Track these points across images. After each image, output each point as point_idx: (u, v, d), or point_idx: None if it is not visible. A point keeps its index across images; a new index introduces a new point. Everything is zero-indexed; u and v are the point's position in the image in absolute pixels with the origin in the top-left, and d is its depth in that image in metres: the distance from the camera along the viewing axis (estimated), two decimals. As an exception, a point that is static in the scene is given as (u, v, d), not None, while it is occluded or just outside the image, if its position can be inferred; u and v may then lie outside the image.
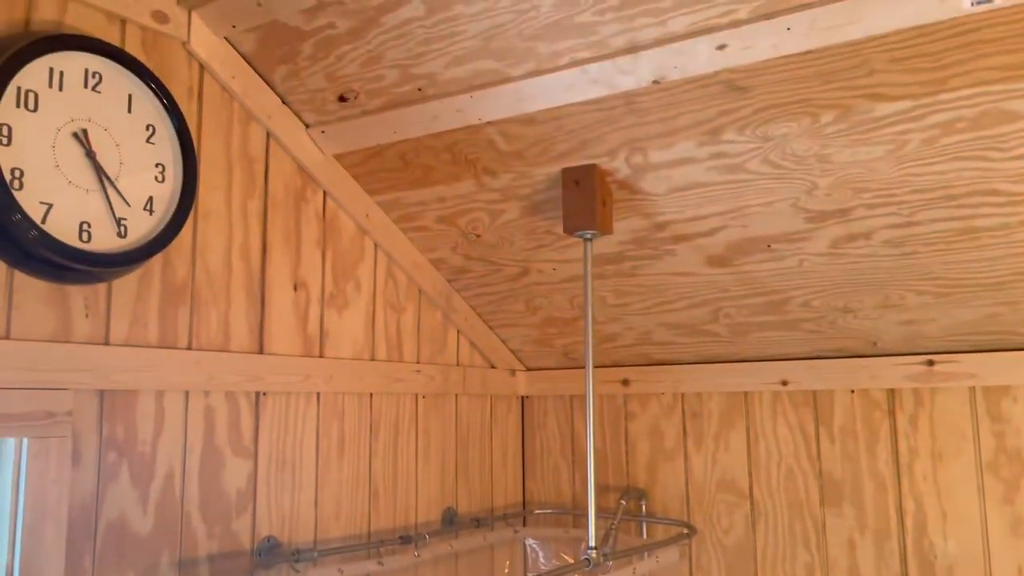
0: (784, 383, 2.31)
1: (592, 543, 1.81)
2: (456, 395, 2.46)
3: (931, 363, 2.10)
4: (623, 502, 2.41)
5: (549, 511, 2.61)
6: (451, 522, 2.35)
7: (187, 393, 1.71)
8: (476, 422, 2.54)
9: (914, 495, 2.13)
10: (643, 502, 2.48)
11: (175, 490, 1.67)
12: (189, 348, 1.72)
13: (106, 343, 1.57)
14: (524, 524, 2.58)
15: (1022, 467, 2.00)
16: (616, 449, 2.58)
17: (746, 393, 2.39)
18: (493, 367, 2.62)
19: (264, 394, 1.87)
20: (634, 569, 1.97)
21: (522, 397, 2.77)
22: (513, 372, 2.70)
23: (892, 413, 2.17)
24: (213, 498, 1.74)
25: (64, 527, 1.47)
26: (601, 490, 2.56)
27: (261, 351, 1.87)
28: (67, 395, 1.49)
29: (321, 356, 2.02)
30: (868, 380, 2.20)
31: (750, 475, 2.36)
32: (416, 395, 2.30)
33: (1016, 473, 2.00)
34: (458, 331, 2.49)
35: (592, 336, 1.97)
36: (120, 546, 1.57)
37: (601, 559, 1.83)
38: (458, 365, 2.48)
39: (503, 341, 2.64)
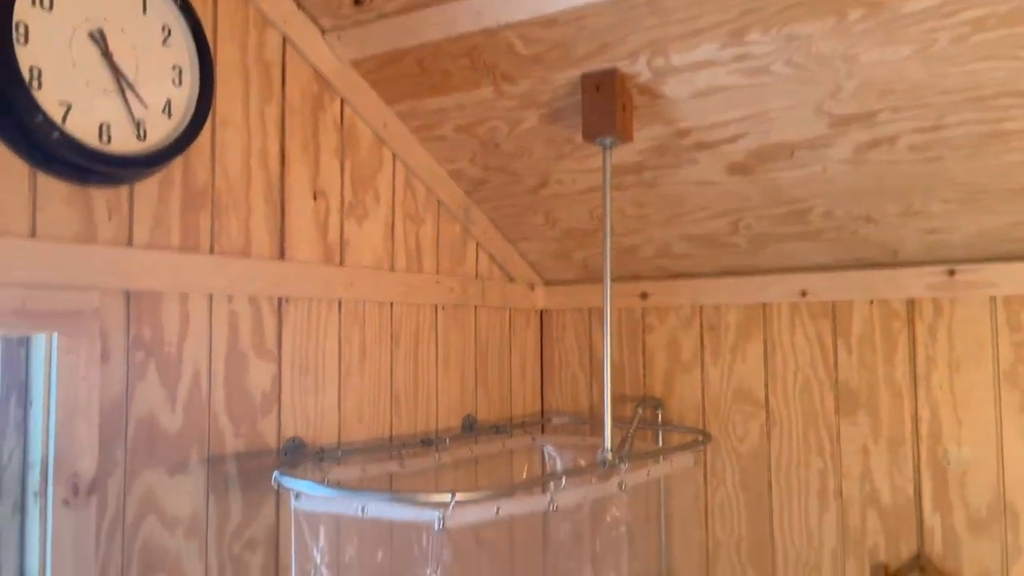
0: (803, 294, 2.31)
1: (608, 446, 1.85)
2: (475, 307, 2.48)
3: (952, 272, 2.09)
4: (639, 411, 2.45)
5: (567, 420, 2.66)
6: (471, 429, 2.40)
7: (211, 297, 1.74)
8: (495, 334, 2.57)
9: (930, 403, 2.14)
10: (659, 411, 2.51)
11: (202, 390, 1.72)
12: (211, 253, 1.74)
13: (129, 245, 1.59)
14: (542, 432, 2.63)
15: (1040, 375, 2.00)
16: (633, 361, 2.61)
17: (764, 305, 2.39)
18: (512, 280, 2.64)
19: (286, 300, 1.89)
20: (648, 472, 2.01)
21: (540, 311, 2.79)
22: (532, 286, 2.71)
23: (911, 323, 2.17)
24: (239, 399, 1.79)
25: (96, 421, 1.51)
26: (618, 400, 2.59)
27: (282, 257, 1.89)
28: (94, 295, 1.52)
29: (342, 264, 2.04)
30: (888, 290, 2.19)
31: (766, 385, 2.38)
32: (436, 306, 2.33)
33: (1033, 381, 2.01)
34: (477, 244, 2.50)
35: (610, 247, 1.97)
36: (150, 442, 1.62)
37: (616, 461, 1.86)
38: (477, 277, 2.50)
39: (522, 255, 2.65)
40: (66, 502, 1.46)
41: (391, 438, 2.14)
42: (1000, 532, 2.04)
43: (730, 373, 2.44)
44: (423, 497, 1.47)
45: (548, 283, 2.76)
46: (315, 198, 1.98)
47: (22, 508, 1.47)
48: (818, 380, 2.30)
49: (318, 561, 1.56)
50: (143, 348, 1.62)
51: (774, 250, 2.27)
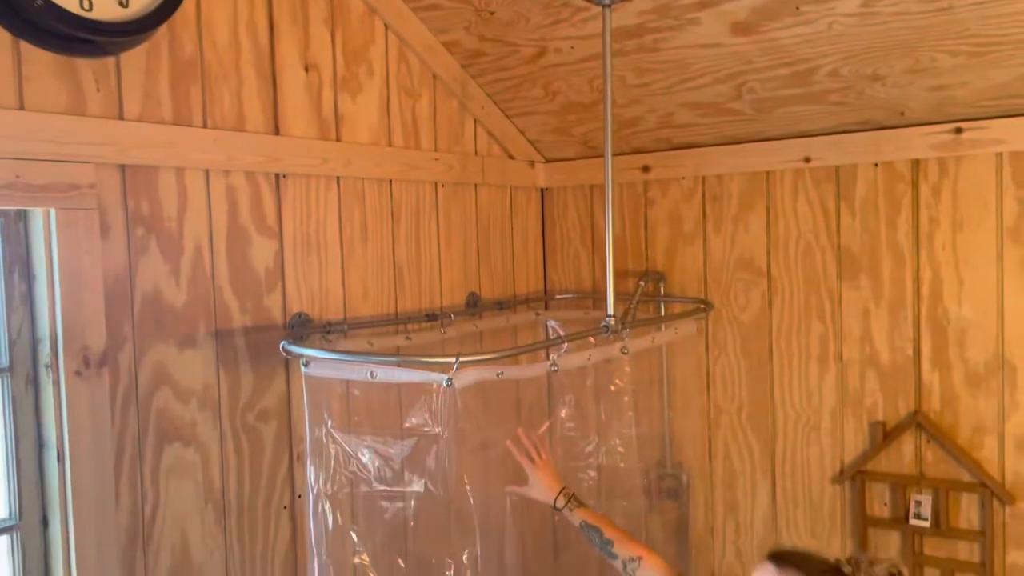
0: (807, 160, 2.28)
1: (611, 311, 1.86)
2: (475, 185, 2.46)
3: (959, 131, 2.05)
4: (642, 283, 2.46)
5: (570, 296, 2.67)
6: (475, 305, 2.41)
7: (207, 172, 1.72)
8: (496, 212, 2.55)
9: (932, 265, 2.14)
10: (661, 284, 2.53)
11: (205, 265, 1.72)
12: (205, 127, 1.71)
13: (121, 118, 1.56)
14: (545, 308, 2.66)
15: (1043, 231, 2.00)
16: (635, 235, 2.60)
17: (768, 173, 2.36)
18: (512, 158, 2.60)
19: (284, 176, 1.87)
20: (652, 338, 2.04)
21: (542, 189, 2.76)
22: (532, 163, 2.68)
23: (915, 184, 2.15)
24: (242, 274, 1.79)
25: (100, 295, 1.52)
26: (620, 275, 2.60)
27: (277, 132, 1.86)
28: (88, 168, 1.50)
29: (338, 140, 2.01)
30: (893, 152, 2.16)
31: (768, 254, 2.38)
32: (435, 183, 2.30)
33: (1037, 238, 2.01)
34: (475, 120, 2.46)
35: (611, 119, 1.93)
36: (157, 316, 1.63)
37: (619, 327, 1.88)
38: (476, 155, 2.46)
39: (521, 131, 2.61)
40: (78, 373, 1.48)
41: (396, 314, 2.16)
42: (998, 387, 2.07)
43: (732, 243, 2.43)
44: (430, 360, 1.49)
45: (548, 160, 2.73)
46: (307, 71, 1.93)
47: (35, 381, 1.49)
48: (820, 246, 2.30)
49: (329, 426, 1.59)
50: (143, 223, 1.61)
51: (779, 115, 2.22)
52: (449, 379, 1.47)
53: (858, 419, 2.27)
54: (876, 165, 2.20)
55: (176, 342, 1.66)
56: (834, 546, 2.31)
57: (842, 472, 2.29)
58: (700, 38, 2.02)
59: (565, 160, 2.70)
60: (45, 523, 1.51)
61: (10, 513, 1.48)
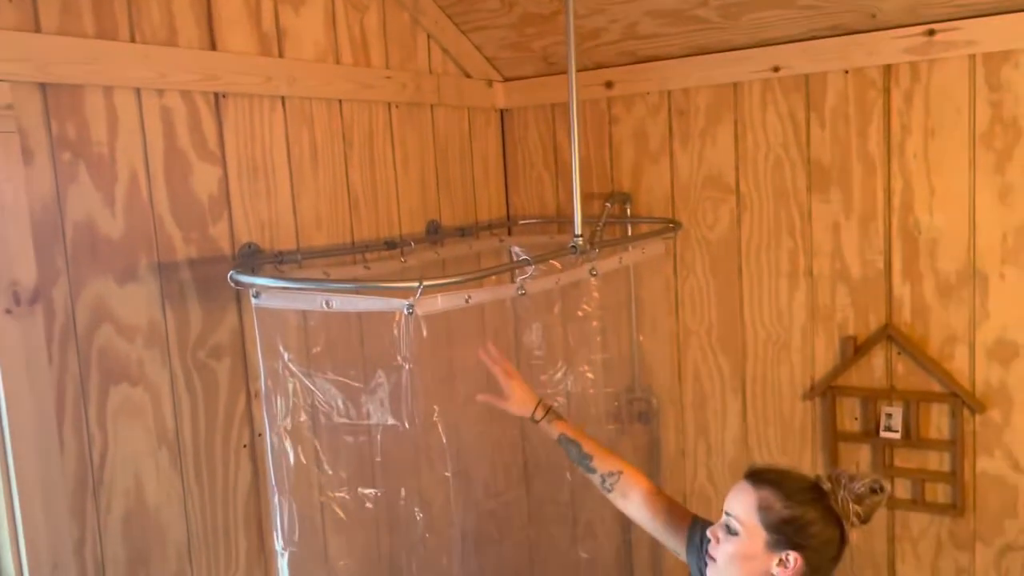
0: (776, 69, 2.19)
1: (578, 231, 1.78)
2: (431, 106, 2.33)
3: (931, 32, 1.98)
4: (608, 205, 2.38)
5: (534, 220, 2.58)
6: (435, 232, 2.32)
7: (138, 91, 1.58)
8: (455, 135, 2.44)
9: (903, 174, 2.09)
10: (628, 206, 2.45)
11: (142, 193, 1.60)
12: (132, 41, 1.57)
13: (37, 30, 1.42)
14: (509, 233, 2.57)
15: (1016, 135, 1.95)
16: (600, 156, 2.51)
17: (735, 84, 2.27)
18: (468, 76, 2.48)
19: (224, 96, 1.74)
20: (620, 258, 1.97)
21: (501, 110, 2.64)
22: (490, 83, 2.56)
23: (887, 91, 2.08)
24: (184, 203, 1.67)
25: (27, 226, 1.40)
26: (585, 198, 2.46)
27: (214, 47, 1.72)
28: (4, 87, 1.36)
29: (281, 56, 1.87)
30: (864, 57, 2.08)
31: (737, 169, 2.31)
32: (389, 104, 2.18)
33: (1009, 142, 1.95)
34: (428, 35, 2.32)
35: (572, 28, 1.81)
36: (93, 248, 1.52)
37: (587, 248, 1.81)
38: (431, 73, 2.33)
39: (477, 47, 2.48)
40: (8, 311, 1.37)
41: (352, 244, 2.06)
42: (968, 297, 2.05)
43: (700, 159, 2.36)
44: (391, 284, 1.40)
45: (507, 80, 2.61)
46: (243, -20, 1.78)
47: (-38, 321, 1.38)
48: (790, 159, 2.23)
49: (286, 359, 1.51)
50: (69, 148, 1.48)
51: (747, 21, 2.12)
52: (411, 306, 1.38)
53: (829, 335, 2.24)
54: (846, 72, 2.12)
55: (115, 276, 1.55)
56: (805, 461, 2.30)
57: (812, 388, 2.27)
58: (664, -62, 1.91)
59: (525, 78, 2.58)
60: (-16, 472, 1.41)
61: (-56, 463, 1.38)
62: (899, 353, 2.15)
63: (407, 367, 1.42)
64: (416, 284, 1.35)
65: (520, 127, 2.64)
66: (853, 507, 1.36)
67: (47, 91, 1.44)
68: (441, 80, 2.35)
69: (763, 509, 1.37)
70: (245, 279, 1.50)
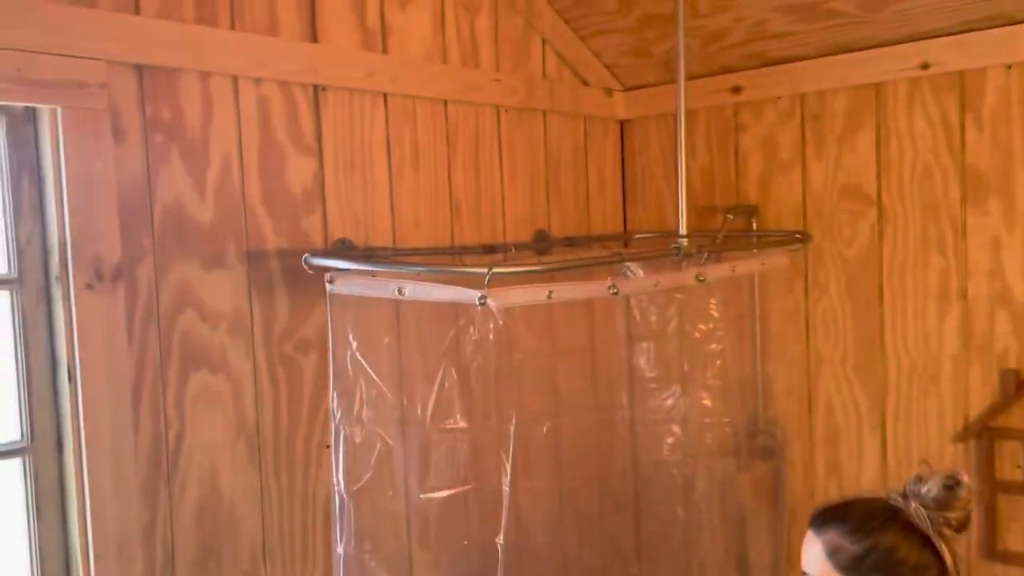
0: (925, 66, 1.96)
1: (683, 230, 1.63)
2: (544, 112, 2.25)
3: (1115, 15, 1.70)
4: (730, 216, 2.20)
5: (650, 235, 2.43)
6: (543, 241, 2.21)
7: (235, 79, 1.59)
8: (568, 144, 2.34)
9: (1080, 181, 1.80)
10: (754, 219, 2.25)
11: (234, 180, 1.59)
12: (232, 28, 1.58)
13: (136, 12, 1.45)
14: (625, 246, 2.42)
15: None
16: (724, 166, 2.33)
17: (877, 85, 2.05)
18: (586, 84, 2.38)
19: (323, 88, 1.73)
20: (733, 267, 1.78)
21: (621, 121, 2.53)
22: (610, 92, 2.45)
23: (1059, 86, 1.81)
24: (277, 193, 1.66)
25: (114, 204, 1.41)
26: (707, 211, 2.34)
27: (315, 40, 1.71)
28: (100, 65, 1.39)
29: (385, 52, 1.85)
30: (1030, 49, 1.82)
31: (878, 178, 2.07)
32: (497, 107, 2.11)
33: None
34: (543, 40, 2.25)
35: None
36: (180, 231, 1.52)
37: (694, 250, 1.65)
38: (544, 78, 2.26)
39: (596, 54, 2.38)
40: (89, 286, 1.38)
41: (451, 247, 1.99)
42: None
43: (836, 168, 2.14)
44: (458, 269, 1.30)
45: (628, 89, 2.49)
46: (349, -25, 1.77)
47: (47, 295, 1.40)
48: (941, 167, 1.98)
49: (354, 348, 1.43)
50: (162, 130, 1.49)
51: (890, 13, 1.91)
52: (483, 297, 1.28)
53: (986, 366, 1.95)
54: (1009, 67, 1.86)
55: (202, 261, 1.55)
56: (956, 514, 1.99)
57: (966, 428, 1.97)
58: (792, -80, 1.75)
59: (646, 87, 2.45)
60: (60, 446, 1.41)
61: (22, 435, 1.39)
62: (1074, 391, 1.83)
63: (476, 364, 1.32)
64: (485, 271, 1.25)
65: (641, 138, 2.51)
66: (937, 515, 1.12)
67: (143, 73, 1.46)
68: (555, 86, 2.26)
69: (833, 553, 1.17)
70: (317, 260, 1.45)
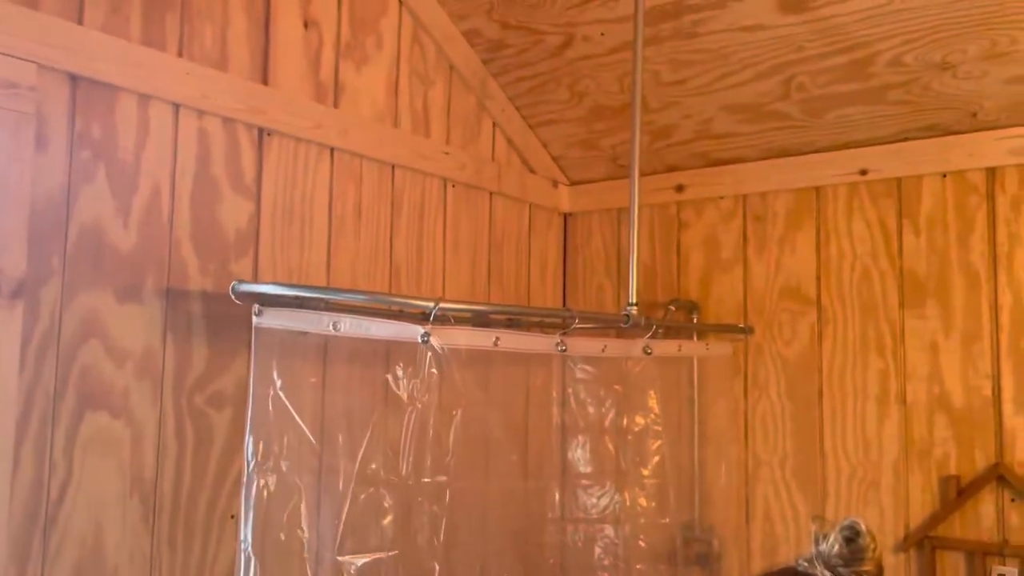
0: (863, 172, 2.02)
1: (632, 299, 1.58)
2: (491, 193, 2.23)
3: (1042, 132, 1.79)
4: (671, 308, 2.17)
5: (592, 326, 2.36)
6: (482, 319, 2.13)
7: (177, 107, 1.51)
8: (512, 228, 2.31)
9: (1012, 288, 1.84)
10: (695, 315, 2.23)
11: (162, 211, 1.48)
12: (179, 55, 1.51)
13: (79, 22, 1.37)
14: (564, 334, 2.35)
15: None
16: (667, 263, 2.33)
17: (818, 188, 2.10)
18: (533, 172, 2.38)
19: (268, 132, 1.66)
20: (679, 346, 1.73)
21: (565, 214, 2.52)
22: (555, 184, 2.45)
23: (991, 196, 1.87)
24: (208, 231, 1.55)
25: (25, 213, 1.29)
26: (649, 307, 2.31)
27: (265, 82, 1.66)
28: (31, 68, 1.30)
29: (336, 107, 1.80)
30: (964, 159, 1.90)
31: (818, 279, 2.09)
32: (445, 180, 2.08)
33: None
34: (493, 123, 2.25)
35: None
36: (96, 256, 1.39)
37: (642, 320, 1.59)
38: (493, 160, 2.25)
39: (544, 144, 2.40)
40: (-16, 299, 1.23)
41: (388, 311, 1.89)
42: (1099, 433, 1.72)
43: (777, 268, 2.15)
44: (404, 301, 1.21)
45: (574, 183, 2.50)
46: (306, 26, 1.75)
47: (-67, 305, 1.24)
48: (879, 270, 2.01)
49: (279, 386, 1.30)
50: (90, 146, 1.39)
51: (832, 119, 1.98)
52: (426, 334, 1.19)
53: (926, 473, 1.91)
54: (944, 176, 1.93)
55: (116, 291, 1.41)
56: (898, 630, 1.90)
57: (907, 538, 1.91)
58: (743, 18, 1.82)
59: (592, 182, 2.47)
60: (-81, 482, 1.22)
61: None
62: (1013, 500, 1.80)
63: (413, 409, 1.20)
64: (431, 304, 1.16)
65: (583, 232, 2.50)
66: (847, 572, 1.04)
67: (77, 83, 1.37)
68: (503, 170, 2.26)
69: None
70: (246, 287, 1.33)
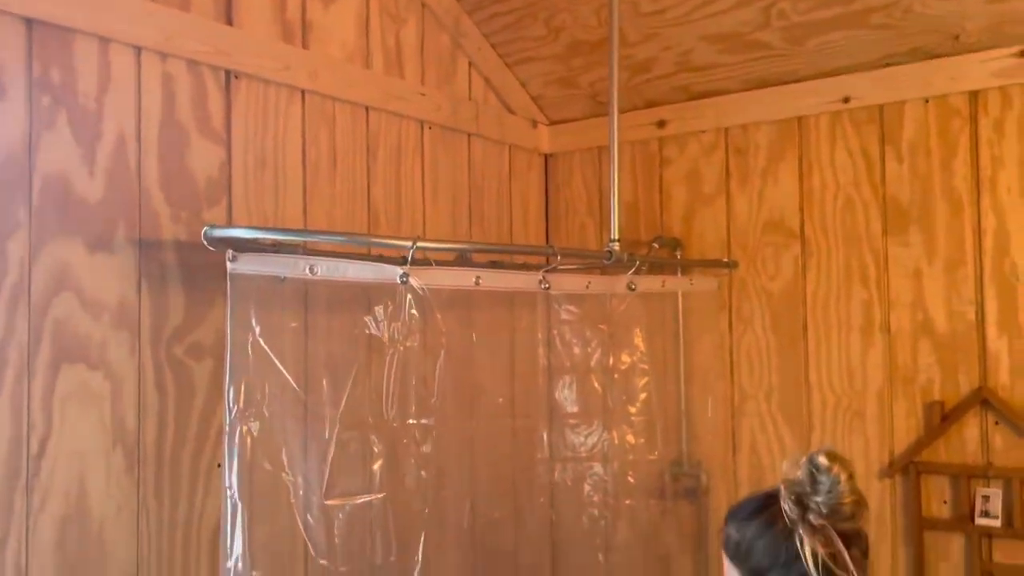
0: (845, 100, 1.99)
1: (614, 235, 1.56)
2: (468, 135, 2.18)
3: (1023, 54, 1.77)
4: (655, 245, 2.15)
5: (575, 267, 2.35)
6: (465, 261, 2.10)
7: (139, 50, 1.46)
8: (493, 170, 2.27)
9: (996, 211, 1.83)
10: (678, 252, 2.21)
11: (129, 158, 1.44)
12: (139, -4, 1.46)
13: (30, -38, 1.31)
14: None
15: None
16: (649, 200, 2.30)
17: (800, 118, 2.07)
18: (512, 112, 2.34)
19: (235, 76, 1.61)
20: (663, 282, 1.72)
21: (545, 155, 2.48)
22: (534, 123, 2.41)
23: (974, 119, 1.85)
24: (177, 179, 1.51)
25: (-14, 163, 1.25)
26: (631, 245, 2.29)
27: (229, 22, 1.61)
28: (-19, 11, 1.24)
29: (305, 48, 1.75)
30: (946, 83, 1.87)
31: (801, 211, 2.07)
32: (421, 122, 2.03)
33: (1125, 171, 1.69)
34: (469, 62, 2.20)
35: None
36: (63, 207, 1.35)
37: (625, 256, 1.58)
38: (470, 100, 2.20)
39: (522, 83, 2.35)
40: (-53, 252, 1.19)
41: (368, 253, 1.86)
42: (1081, 353, 1.73)
43: (760, 201, 2.13)
44: (383, 242, 1.19)
45: (553, 123, 2.46)
46: (270, -37, 1.69)
47: None
48: (862, 199, 1.99)
49: (257, 333, 1.28)
50: (50, 92, 1.34)
51: (814, 46, 1.94)
52: (405, 275, 1.16)
53: (910, 400, 1.92)
54: (926, 101, 1.91)
55: (86, 242, 1.38)
56: (883, 553, 1.93)
57: (891, 464, 1.93)
58: (722, -57, 1.77)
59: (572, 120, 2.43)
60: None
61: None
62: (997, 422, 1.82)
63: (395, 352, 1.18)
64: (409, 243, 1.14)
65: (564, 172, 2.46)
66: (812, 502, 1.04)
67: (33, 27, 1.32)
68: (481, 110, 2.21)
69: (724, 543, 1.14)
70: (219, 232, 1.30)
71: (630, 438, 2.07)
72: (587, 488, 2.07)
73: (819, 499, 1.05)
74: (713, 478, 2.17)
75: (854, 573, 1.03)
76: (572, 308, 1.92)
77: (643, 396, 2.05)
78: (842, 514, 1.04)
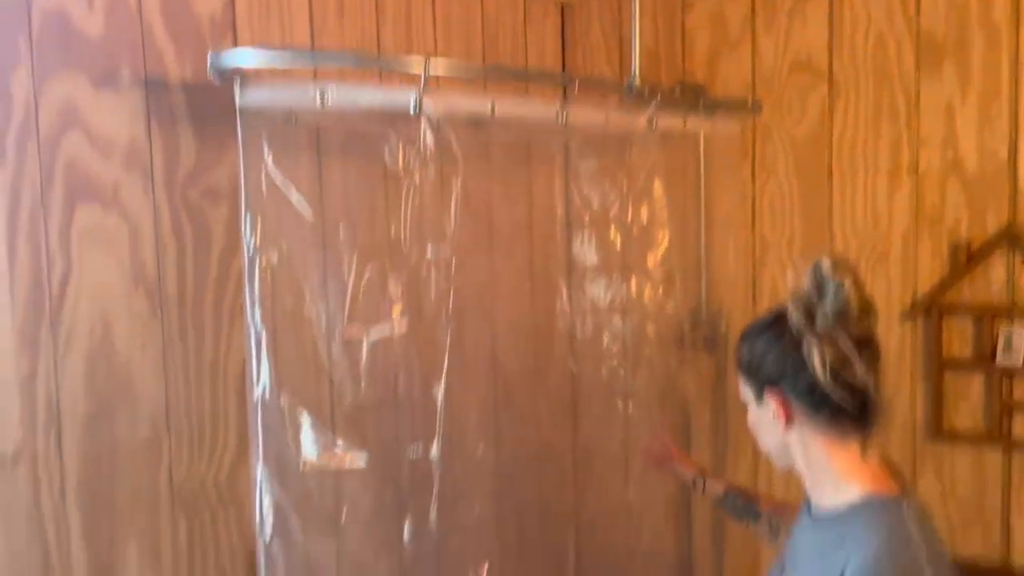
0: (879, -74, 1.88)
1: (635, 68, 1.50)
2: (480, -19, 2.09)
3: None
4: (676, 90, 2.08)
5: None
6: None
7: None
8: (507, 21, 2.17)
9: (1036, 40, 1.74)
10: (701, 99, 2.14)
11: (128, -8, 1.39)
12: None
13: None
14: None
15: None
16: (670, 45, 2.22)
17: (830, -50, 1.96)
18: (525, -44, 2.22)
19: (233, -94, 1.53)
20: (685, 121, 1.67)
21: (562, 4, 2.38)
22: (550, -31, 2.29)
23: (1017, -60, 1.74)
24: (180, 17, 1.46)
25: (-19, -10, 1.20)
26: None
27: None
28: None
29: None
30: (990, -99, 1.75)
31: (830, 50, 1.99)
32: (430, -34, 1.94)
33: None
34: (480, -101, 2.08)
35: None
36: (64, 42, 1.31)
37: (645, 90, 1.52)
38: (481, -59, 2.09)
39: (536, -76, 2.23)
40: (-50, 84, 1.17)
41: (381, 107, 1.82)
42: (1117, 185, 1.68)
43: (787, 41, 2.04)
44: (395, 59, 1.14)
45: (569, -31, 2.35)
46: None
47: (-101, 94, 1.19)
48: (895, 34, 1.90)
49: (270, 163, 1.26)
50: (40, -84, 1.28)
51: None
52: (418, 100, 1.12)
53: (936, 241, 1.89)
54: (967, -78, 1.79)
55: (91, 77, 1.35)
56: (903, 395, 1.94)
57: (914, 306, 1.92)
58: None
59: (589, -35, 2.31)
60: (-85, 275, 1.21)
61: None
62: (1024, 261, 1.79)
63: (410, 183, 1.16)
64: (422, 61, 1.09)
65: (582, 23, 2.37)
66: (819, 309, 1.03)
67: None
68: (493, -48, 2.10)
69: (737, 360, 1.14)
70: (225, 58, 1.26)
71: (649, 288, 2.06)
72: (606, 339, 2.08)
73: (826, 305, 1.04)
74: (733, 327, 2.18)
75: (865, 376, 1.03)
76: (590, 154, 1.88)
77: (663, 246, 2.03)
78: (850, 317, 1.04)
